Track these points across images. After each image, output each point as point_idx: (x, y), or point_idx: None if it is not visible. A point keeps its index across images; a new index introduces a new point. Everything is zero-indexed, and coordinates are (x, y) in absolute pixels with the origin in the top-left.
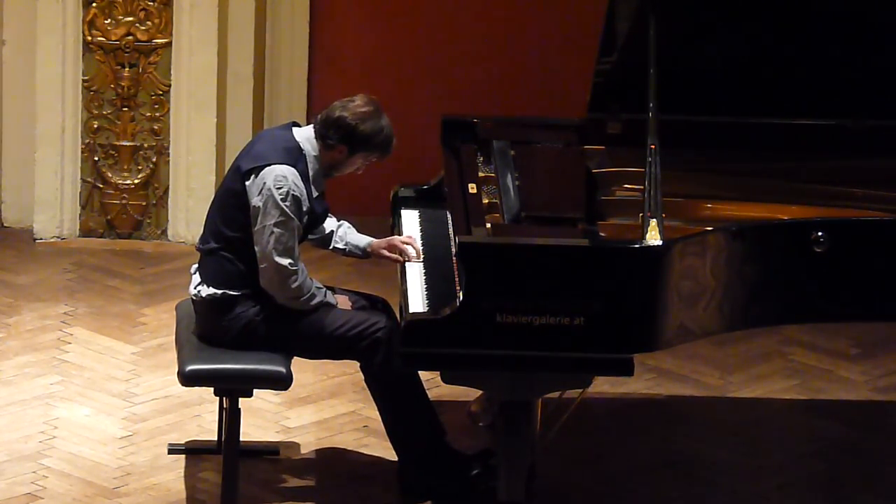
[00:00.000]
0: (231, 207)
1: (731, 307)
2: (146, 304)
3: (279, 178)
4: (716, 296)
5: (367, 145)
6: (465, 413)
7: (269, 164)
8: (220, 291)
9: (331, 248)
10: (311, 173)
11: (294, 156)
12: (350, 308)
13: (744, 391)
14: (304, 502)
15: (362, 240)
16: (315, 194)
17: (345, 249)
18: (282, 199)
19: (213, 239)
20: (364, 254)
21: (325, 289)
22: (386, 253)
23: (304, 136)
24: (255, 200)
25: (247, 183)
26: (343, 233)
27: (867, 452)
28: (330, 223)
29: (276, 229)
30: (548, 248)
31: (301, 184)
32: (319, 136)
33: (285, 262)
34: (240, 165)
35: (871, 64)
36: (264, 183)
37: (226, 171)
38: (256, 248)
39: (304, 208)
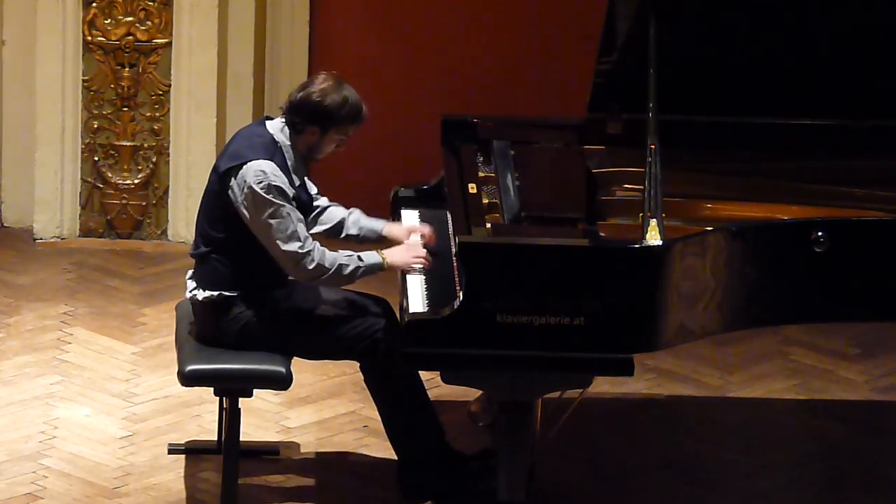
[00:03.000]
0: (215, 208)
1: (731, 307)
2: (146, 304)
3: (258, 172)
4: (716, 296)
5: (337, 120)
6: (465, 413)
7: (247, 161)
8: (216, 293)
9: (343, 235)
10: (289, 164)
11: (270, 150)
12: (407, 241)
13: (744, 391)
14: (304, 502)
15: (377, 223)
16: (297, 183)
17: (358, 235)
18: (265, 192)
19: (203, 243)
20: (379, 238)
21: (356, 255)
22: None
23: (277, 128)
24: (241, 199)
25: (229, 183)
26: (355, 218)
27: (867, 452)
28: (339, 211)
29: (271, 220)
30: (548, 248)
31: (281, 174)
32: (289, 123)
33: (293, 247)
34: (218, 166)
35: (871, 64)
36: (245, 180)
37: None
38: (265, 245)
39: (291, 195)
